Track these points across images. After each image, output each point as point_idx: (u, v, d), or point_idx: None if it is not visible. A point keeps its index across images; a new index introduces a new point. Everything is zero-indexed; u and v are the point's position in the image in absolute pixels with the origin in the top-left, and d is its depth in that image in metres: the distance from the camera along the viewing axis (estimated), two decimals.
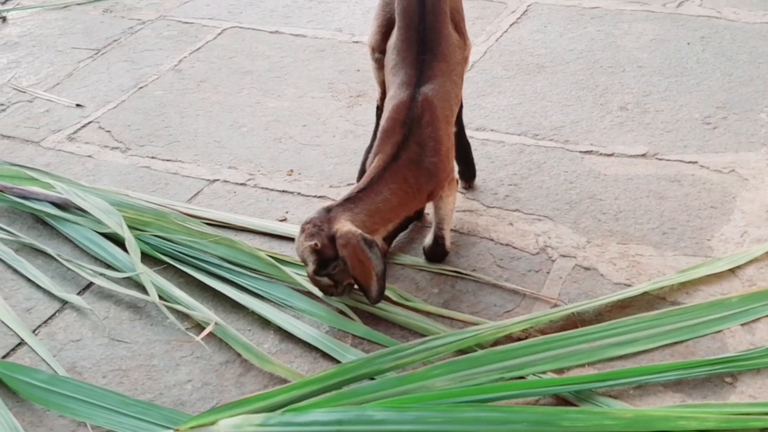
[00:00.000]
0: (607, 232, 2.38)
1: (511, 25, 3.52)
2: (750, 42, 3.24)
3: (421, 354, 1.97)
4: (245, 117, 3.07)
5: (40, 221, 2.57)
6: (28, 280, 2.35)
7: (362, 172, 2.42)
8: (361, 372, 1.94)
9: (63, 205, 2.56)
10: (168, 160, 2.86)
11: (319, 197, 2.61)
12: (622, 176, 2.59)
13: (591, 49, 3.29)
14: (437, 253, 2.30)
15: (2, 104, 3.28)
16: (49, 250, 2.43)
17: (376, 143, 2.17)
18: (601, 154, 2.70)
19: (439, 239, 2.29)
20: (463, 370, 1.91)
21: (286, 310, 2.19)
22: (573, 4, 3.62)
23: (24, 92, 3.35)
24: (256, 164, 2.80)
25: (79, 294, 2.30)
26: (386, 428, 1.78)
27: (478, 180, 2.60)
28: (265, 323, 2.16)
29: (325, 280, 2.05)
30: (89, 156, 2.92)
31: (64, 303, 2.28)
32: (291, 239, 2.39)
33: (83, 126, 3.10)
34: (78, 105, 3.23)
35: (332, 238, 1.99)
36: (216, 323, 2.11)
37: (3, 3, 4.14)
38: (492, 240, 2.38)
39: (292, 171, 2.75)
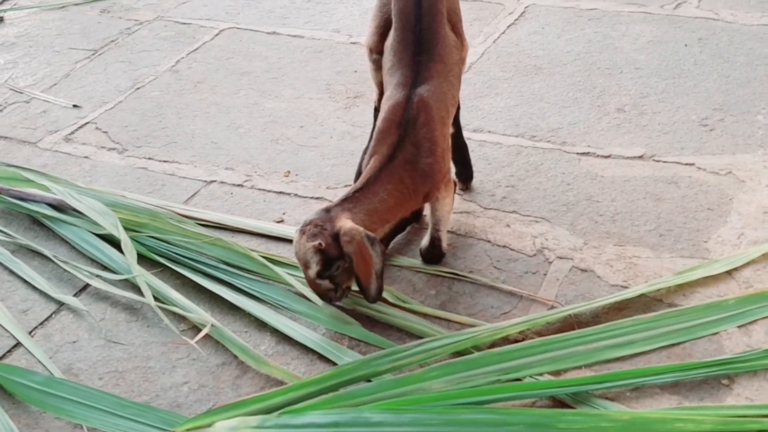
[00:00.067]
0: (604, 233, 2.38)
1: (508, 27, 3.52)
2: (747, 44, 3.25)
3: (417, 356, 1.97)
4: (242, 118, 3.07)
5: (36, 223, 2.57)
6: (25, 281, 2.35)
7: (359, 173, 2.42)
8: (357, 374, 1.94)
9: (60, 207, 2.55)
10: (165, 161, 2.86)
11: (316, 198, 2.61)
12: (619, 178, 2.59)
13: (588, 50, 3.29)
14: (434, 254, 2.30)
15: None
16: (46, 252, 2.43)
17: (372, 144, 2.18)
18: (598, 155, 2.70)
19: (435, 241, 2.29)
20: (459, 372, 1.91)
21: (283, 312, 2.18)
22: (570, 6, 3.63)
23: (21, 93, 3.34)
24: (253, 165, 2.80)
25: (75, 296, 2.30)
26: (383, 430, 1.78)
27: (475, 181, 2.60)
28: (261, 325, 2.16)
29: (326, 283, 2.05)
30: (86, 157, 2.92)
31: (61, 305, 2.27)
32: (288, 240, 2.39)
33: (80, 127, 3.10)
34: (75, 106, 3.23)
35: (336, 237, 1.98)
36: (212, 325, 2.11)
37: (0, 3, 4.13)
38: (489, 242, 2.38)
39: (289, 172, 2.75)
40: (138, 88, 3.31)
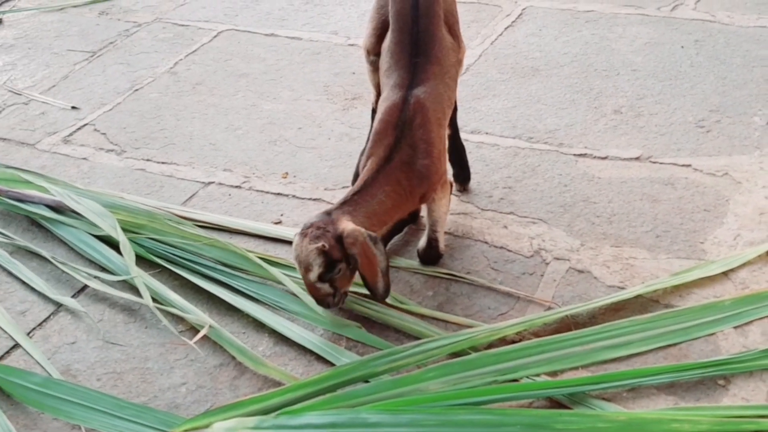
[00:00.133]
0: (601, 235, 2.38)
1: (506, 29, 3.52)
2: (743, 45, 3.26)
3: (415, 357, 1.98)
4: (240, 120, 3.07)
5: (35, 224, 2.57)
6: (23, 282, 2.36)
7: (357, 174, 2.43)
8: (355, 375, 1.94)
9: (58, 208, 2.56)
10: (163, 163, 2.86)
11: (314, 200, 2.61)
12: (616, 179, 2.60)
13: (585, 52, 3.30)
14: (431, 255, 2.31)
15: None
16: (44, 253, 2.43)
17: (368, 145, 2.18)
18: (595, 157, 2.71)
19: (433, 242, 2.29)
20: (457, 373, 1.91)
21: (281, 313, 2.19)
22: (568, 8, 3.63)
23: (19, 94, 3.35)
24: (251, 167, 2.81)
25: (73, 297, 2.30)
26: (381, 431, 1.78)
27: (473, 183, 2.61)
28: (259, 326, 2.16)
29: (326, 287, 2.04)
30: (84, 158, 2.92)
31: (59, 306, 2.28)
32: (286, 242, 2.40)
33: (78, 128, 3.10)
34: (73, 107, 3.23)
35: (339, 239, 1.99)
36: (210, 326, 2.11)
37: None
38: (486, 243, 2.39)
39: (287, 174, 2.75)
40: (136, 90, 3.31)
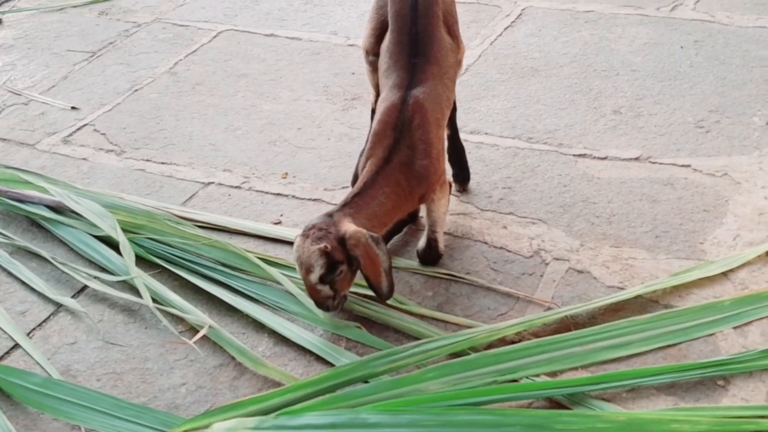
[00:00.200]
0: (601, 235, 2.38)
1: (505, 29, 3.53)
2: (743, 46, 3.26)
3: (414, 357, 1.98)
4: (240, 120, 3.07)
5: (34, 224, 2.58)
6: (23, 283, 2.36)
7: (356, 175, 2.43)
8: (355, 375, 1.94)
9: (58, 209, 2.56)
10: (163, 163, 2.86)
11: (314, 200, 2.62)
12: (615, 180, 2.60)
13: (585, 52, 3.30)
14: (431, 256, 2.31)
15: None
16: (44, 253, 2.43)
17: (367, 146, 2.18)
18: (594, 157, 2.71)
19: (432, 242, 2.29)
20: (456, 373, 1.91)
21: (281, 314, 2.19)
22: (567, 8, 3.64)
23: (19, 95, 3.35)
24: (251, 167, 2.81)
25: (73, 297, 2.30)
26: (380, 431, 1.78)
27: (472, 183, 2.61)
28: (259, 326, 2.16)
29: (326, 289, 2.04)
30: (84, 159, 2.92)
31: (59, 306, 2.28)
32: (285, 242, 2.40)
33: (78, 129, 3.10)
34: (73, 107, 3.23)
35: (341, 241, 1.99)
36: (210, 326, 2.11)
37: None
38: (486, 243, 2.39)
39: (286, 174, 2.76)
40: (136, 90, 3.31)
